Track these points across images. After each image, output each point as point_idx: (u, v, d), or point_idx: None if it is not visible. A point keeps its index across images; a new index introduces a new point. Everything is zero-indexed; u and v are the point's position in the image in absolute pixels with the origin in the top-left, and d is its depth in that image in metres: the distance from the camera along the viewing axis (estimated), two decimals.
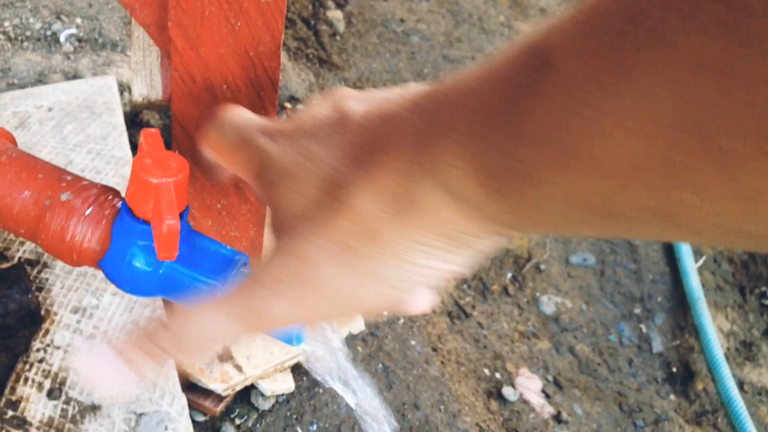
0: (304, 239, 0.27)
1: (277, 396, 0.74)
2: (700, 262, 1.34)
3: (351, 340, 0.83)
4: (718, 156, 0.16)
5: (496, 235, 0.25)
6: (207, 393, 0.70)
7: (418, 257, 0.26)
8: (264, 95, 0.53)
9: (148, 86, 0.53)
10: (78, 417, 0.60)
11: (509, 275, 1.21)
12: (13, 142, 0.42)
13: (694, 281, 1.25)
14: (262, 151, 0.31)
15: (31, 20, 1.06)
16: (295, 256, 0.27)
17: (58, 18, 1.07)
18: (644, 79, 0.16)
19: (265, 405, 0.73)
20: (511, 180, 0.21)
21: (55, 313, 0.66)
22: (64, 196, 0.37)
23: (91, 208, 0.37)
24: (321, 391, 0.76)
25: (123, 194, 0.40)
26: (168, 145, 0.47)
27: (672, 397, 1.15)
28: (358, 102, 0.29)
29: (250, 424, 0.72)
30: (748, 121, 0.15)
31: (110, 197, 0.38)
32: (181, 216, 0.37)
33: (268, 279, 0.28)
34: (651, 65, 0.16)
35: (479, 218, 0.24)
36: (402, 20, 1.38)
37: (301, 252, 0.27)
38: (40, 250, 0.69)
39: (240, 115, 0.35)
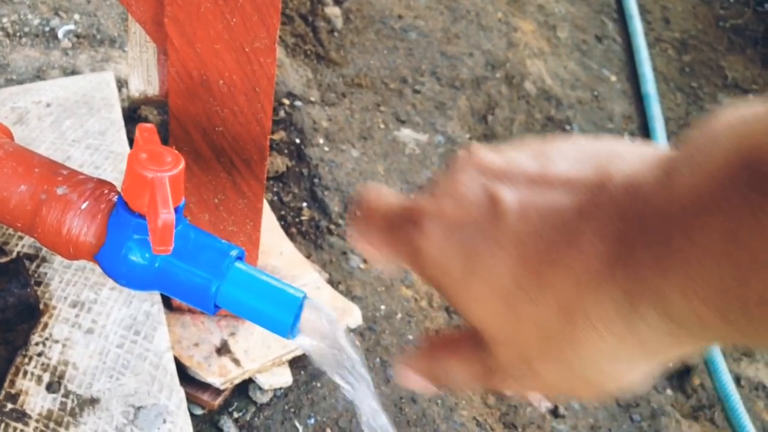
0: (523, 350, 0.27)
1: (275, 390, 0.75)
2: None
3: (349, 334, 0.83)
4: None
5: (702, 347, 0.25)
6: (205, 386, 0.70)
7: (619, 369, 0.26)
8: (260, 90, 0.53)
9: (144, 82, 0.53)
10: (77, 410, 0.60)
11: None
12: (10, 136, 0.42)
13: None
14: (414, 243, 0.29)
15: (30, 16, 1.06)
16: (526, 362, 0.28)
17: (57, 14, 1.07)
18: None
19: (263, 399, 0.74)
20: (748, 309, 0.20)
21: (54, 307, 0.66)
22: (60, 190, 0.37)
23: (87, 202, 0.37)
24: (319, 385, 0.76)
25: (119, 188, 0.40)
26: (165, 141, 0.47)
27: (669, 391, 1.15)
28: (510, 187, 0.27)
29: (248, 418, 0.72)
30: None
31: (106, 191, 0.38)
32: (177, 210, 0.38)
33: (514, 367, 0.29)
34: None
35: (695, 340, 0.24)
36: (400, 16, 1.38)
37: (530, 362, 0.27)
38: (38, 244, 0.70)
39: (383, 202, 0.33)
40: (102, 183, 0.39)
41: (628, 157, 0.26)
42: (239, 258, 0.40)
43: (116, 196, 0.39)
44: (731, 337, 0.22)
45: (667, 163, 0.23)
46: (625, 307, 0.24)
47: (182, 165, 0.37)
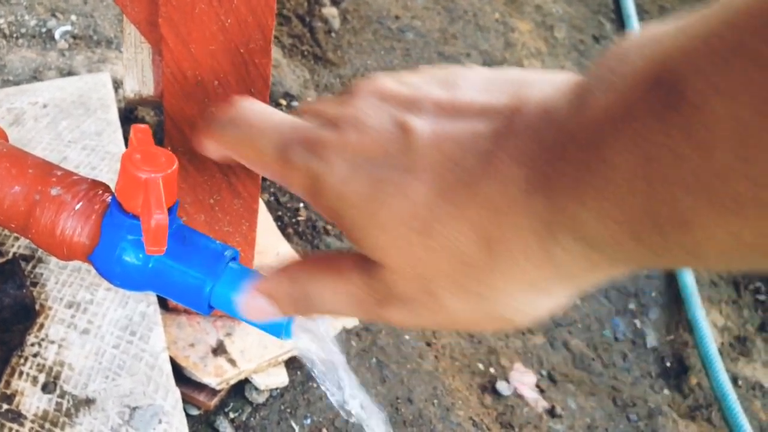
0: (421, 276, 0.26)
1: (271, 390, 0.75)
2: None
3: (345, 334, 0.83)
4: None
5: (619, 273, 0.25)
6: (201, 387, 0.70)
7: (533, 299, 0.25)
8: (255, 91, 0.53)
9: (139, 82, 0.53)
10: (72, 410, 0.60)
11: None
12: (4, 137, 0.42)
13: (688, 276, 1.25)
14: (313, 175, 0.28)
15: (26, 17, 1.06)
16: (417, 285, 0.26)
17: (53, 15, 1.07)
18: None
19: (259, 399, 0.74)
20: (662, 228, 0.20)
21: (50, 308, 0.66)
22: (54, 191, 0.37)
23: (80, 203, 0.37)
24: (315, 385, 0.76)
25: (113, 189, 0.40)
26: (161, 142, 0.47)
27: (666, 391, 1.15)
28: (420, 116, 0.26)
29: (244, 418, 0.72)
30: None
31: (100, 192, 0.38)
32: (171, 211, 0.38)
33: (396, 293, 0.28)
34: None
35: (611, 263, 0.23)
36: (397, 17, 1.39)
37: (425, 286, 0.26)
38: (34, 245, 0.70)
39: (262, 115, 0.31)
40: (96, 184, 0.39)
41: (540, 83, 0.25)
42: (233, 259, 0.40)
43: (110, 197, 0.39)
44: (647, 260, 0.22)
45: (579, 87, 0.23)
46: (543, 233, 0.23)
47: (176, 165, 0.37)
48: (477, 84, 0.27)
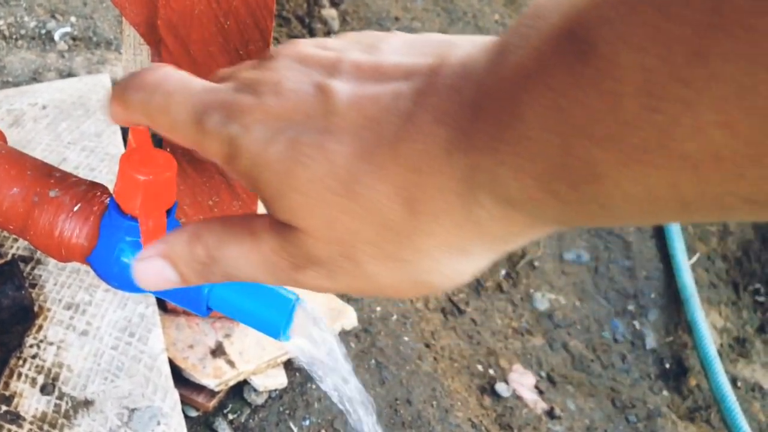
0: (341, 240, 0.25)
1: (270, 391, 0.75)
2: (694, 258, 1.34)
3: (344, 336, 0.83)
4: None
5: (540, 234, 0.24)
6: (200, 388, 0.70)
7: (456, 262, 0.25)
8: None
9: None
10: (71, 412, 0.60)
11: (503, 272, 1.22)
12: (3, 139, 0.42)
13: (687, 278, 1.26)
14: (230, 141, 0.27)
15: (26, 19, 1.06)
16: (336, 248, 0.26)
17: (53, 16, 1.08)
18: (728, 69, 0.16)
19: (257, 400, 0.74)
20: (576, 182, 0.20)
21: (49, 309, 0.66)
22: (52, 193, 0.37)
23: (79, 205, 0.38)
24: (314, 386, 0.76)
25: (112, 190, 0.40)
26: (160, 143, 0.47)
27: (665, 393, 1.16)
28: (340, 79, 0.26)
29: (242, 420, 0.72)
30: None
31: (98, 194, 0.39)
32: (169, 213, 0.38)
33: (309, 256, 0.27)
34: (736, 54, 0.16)
35: (531, 222, 0.23)
36: (397, 18, 1.39)
37: (344, 250, 0.26)
38: (33, 247, 0.70)
39: (178, 82, 0.30)
40: (94, 185, 0.39)
41: (462, 42, 0.25)
42: None
43: (108, 199, 0.39)
44: (565, 217, 0.22)
45: (498, 44, 0.23)
46: (465, 193, 0.23)
47: (175, 167, 0.37)
48: (399, 47, 0.27)
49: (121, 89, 0.31)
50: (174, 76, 0.30)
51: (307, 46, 0.29)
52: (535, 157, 0.21)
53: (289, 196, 0.25)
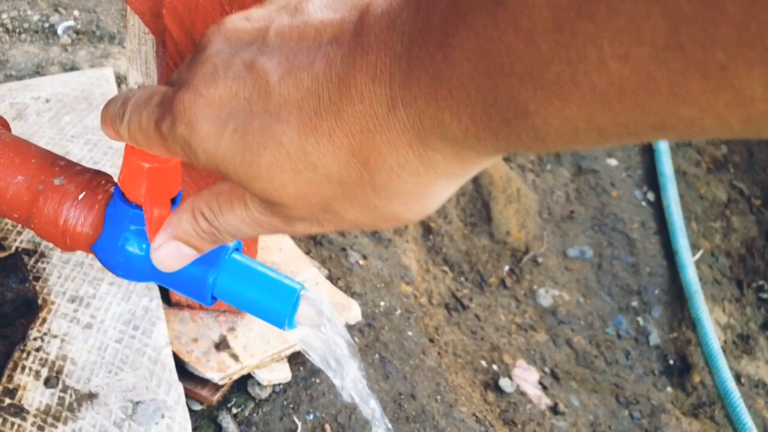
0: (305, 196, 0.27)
1: (274, 385, 0.74)
2: (698, 255, 1.34)
3: (348, 330, 0.83)
4: (715, 69, 0.16)
5: (492, 160, 0.26)
6: (204, 382, 0.70)
7: (420, 200, 0.27)
8: None
9: (143, 74, 0.53)
10: (75, 405, 0.60)
11: (507, 268, 1.22)
12: (7, 127, 0.42)
13: (691, 274, 1.25)
14: (183, 142, 0.28)
15: (29, 12, 1.06)
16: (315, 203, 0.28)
17: (56, 10, 1.07)
18: (628, 6, 0.17)
19: (262, 394, 0.73)
20: (507, 118, 0.21)
21: (53, 302, 0.66)
22: (57, 181, 0.37)
23: (83, 193, 0.37)
24: (318, 380, 0.76)
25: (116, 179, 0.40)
26: None
27: (669, 389, 1.15)
28: (270, 54, 0.26)
29: (246, 413, 0.72)
30: (737, 32, 0.15)
31: (103, 182, 0.38)
32: (174, 201, 0.37)
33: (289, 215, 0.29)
34: None
35: (479, 155, 0.25)
36: None
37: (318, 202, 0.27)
38: (37, 239, 0.70)
39: (140, 99, 0.31)
40: (99, 174, 0.39)
41: None
42: (237, 249, 0.40)
43: (113, 187, 0.39)
44: (505, 147, 0.23)
45: None
46: (415, 142, 0.24)
47: None
48: (322, 3, 0.27)
49: (110, 119, 0.34)
50: (139, 96, 0.31)
51: (234, 21, 0.29)
52: (469, 99, 0.22)
53: (256, 183, 0.27)
